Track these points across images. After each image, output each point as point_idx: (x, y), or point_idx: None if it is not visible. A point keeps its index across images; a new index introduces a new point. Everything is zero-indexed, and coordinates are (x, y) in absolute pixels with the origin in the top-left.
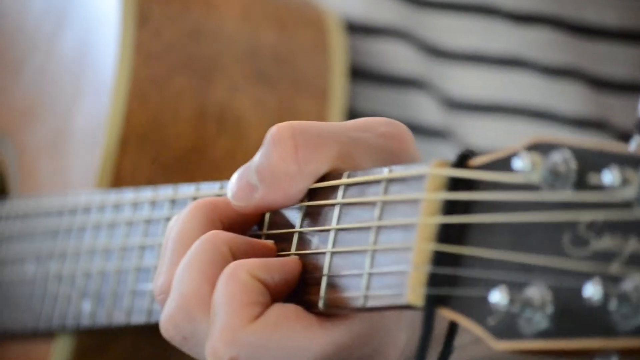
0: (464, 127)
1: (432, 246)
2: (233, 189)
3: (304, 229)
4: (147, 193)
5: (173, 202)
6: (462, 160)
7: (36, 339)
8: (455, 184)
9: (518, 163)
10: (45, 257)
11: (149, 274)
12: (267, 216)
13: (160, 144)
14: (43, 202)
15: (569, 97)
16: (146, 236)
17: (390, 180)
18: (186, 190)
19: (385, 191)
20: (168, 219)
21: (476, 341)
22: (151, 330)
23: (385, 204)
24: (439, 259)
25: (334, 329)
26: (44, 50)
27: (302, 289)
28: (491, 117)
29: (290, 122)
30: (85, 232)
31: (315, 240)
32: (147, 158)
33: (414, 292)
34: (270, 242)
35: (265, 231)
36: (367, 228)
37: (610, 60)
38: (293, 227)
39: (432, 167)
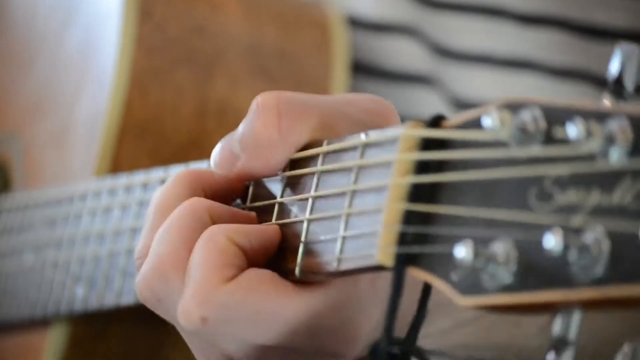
0: None
1: (403, 206)
2: (216, 158)
3: (284, 199)
4: (139, 176)
5: (164, 182)
6: (436, 121)
7: (32, 330)
8: (428, 145)
9: (487, 121)
10: (43, 247)
11: None
12: (251, 190)
13: (159, 137)
14: (42, 193)
15: (576, 99)
16: (138, 218)
17: (367, 145)
18: (177, 170)
19: (362, 156)
20: None
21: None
22: (146, 318)
23: (360, 168)
24: (410, 218)
25: (309, 296)
26: (52, 47)
27: (280, 257)
28: None
29: (277, 91)
30: (81, 218)
31: (294, 209)
32: (146, 150)
33: (383, 252)
34: (252, 213)
35: (248, 204)
36: (343, 193)
37: None
38: (274, 198)
39: (405, 128)
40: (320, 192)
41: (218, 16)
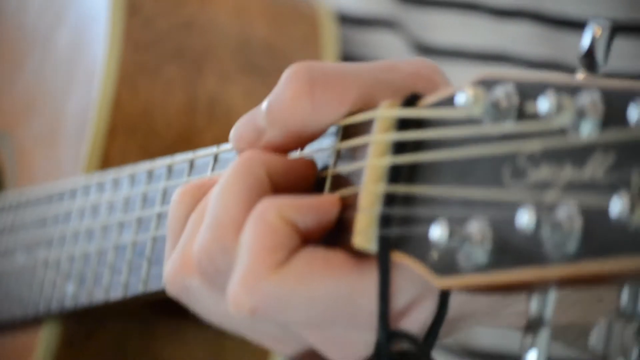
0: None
1: (382, 187)
2: (236, 131)
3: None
4: (126, 170)
5: (150, 174)
6: (412, 100)
7: (24, 329)
8: (405, 124)
9: (461, 98)
10: (34, 246)
11: (125, 250)
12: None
13: (149, 133)
14: (33, 192)
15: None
16: (125, 212)
17: (346, 127)
18: (162, 162)
19: (342, 138)
20: (144, 194)
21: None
22: (138, 317)
23: (339, 151)
24: (389, 199)
25: (366, 271)
26: (42, 46)
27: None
28: None
29: (310, 62)
30: (71, 216)
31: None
32: (135, 147)
33: (362, 236)
34: (310, 160)
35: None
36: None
37: None
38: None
39: (381, 109)
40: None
41: (207, 11)
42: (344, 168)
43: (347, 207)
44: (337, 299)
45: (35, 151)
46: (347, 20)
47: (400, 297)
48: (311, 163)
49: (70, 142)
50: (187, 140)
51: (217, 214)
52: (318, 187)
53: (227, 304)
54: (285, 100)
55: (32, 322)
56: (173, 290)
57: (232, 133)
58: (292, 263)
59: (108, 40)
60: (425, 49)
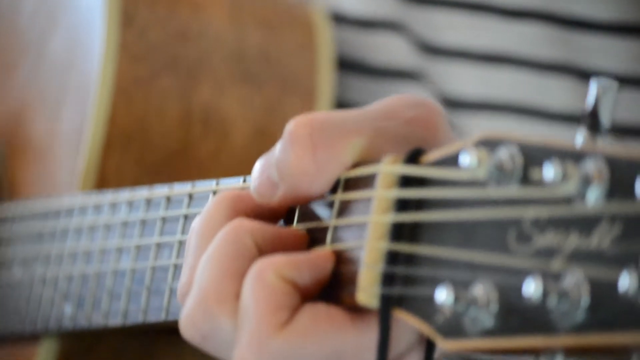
0: (458, 124)
1: (385, 245)
2: (255, 185)
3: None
4: (124, 194)
5: (149, 202)
6: (414, 157)
7: (22, 342)
8: (407, 181)
9: (465, 159)
10: (31, 261)
11: (124, 277)
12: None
13: (145, 145)
14: (29, 206)
15: (559, 93)
16: (123, 238)
17: (348, 180)
18: (162, 190)
19: (344, 190)
20: (144, 221)
21: None
22: (137, 332)
23: (342, 202)
24: (391, 258)
25: (365, 327)
26: (35, 52)
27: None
28: (482, 115)
29: (309, 116)
30: (68, 235)
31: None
32: (131, 159)
33: (365, 292)
34: (300, 230)
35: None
36: (325, 227)
37: (601, 53)
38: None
39: (384, 164)
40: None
41: (201, 20)
42: (344, 221)
43: (345, 261)
44: (342, 353)
45: (29, 159)
46: (350, 22)
47: (396, 348)
48: (302, 234)
49: (66, 153)
50: (182, 152)
51: (202, 282)
52: None
53: None
54: (289, 163)
55: (30, 337)
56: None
57: (252, 185)
58: (296, 321)
59: (103, 52)
60: (432, 49)
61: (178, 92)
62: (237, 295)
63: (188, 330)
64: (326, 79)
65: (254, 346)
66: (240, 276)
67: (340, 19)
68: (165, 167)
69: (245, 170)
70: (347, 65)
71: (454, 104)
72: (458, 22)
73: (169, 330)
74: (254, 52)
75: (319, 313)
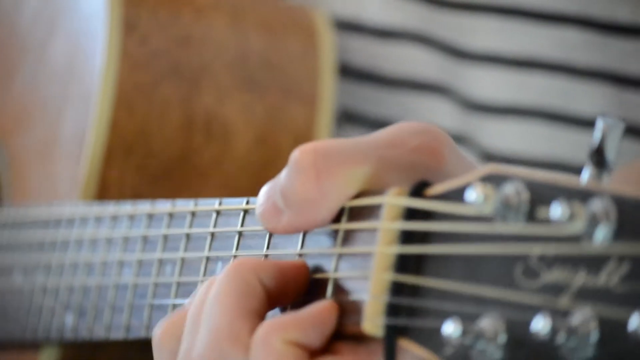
0: (483, 130)
1: (390, 276)
2: (261, 210)
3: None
4: (126, 207)
5: (151, 217)
6: (419, 189)
7: (23, 349)
8: (412, 214)
9: (471, 195)
10: (32, 269)
11: (126, 291)
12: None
13: (146, 152)
14: (30, 213)
15: (592, 99)
16: (125, 252)
17: (352, 209)
18: (162, 207)
19: (349, 219)
20: (145, 237)
21: None
22: (138, 343)
23: (347, 231)
24: (396, 289)
25: None
26: (36, 56)
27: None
28: (510, 120)
29: (314, 145)
30: (69, 245)
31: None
32: (133, 166)
33: (371, 322)
34: (300, 261)
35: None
36: (330, 255)
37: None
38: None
39: (389, 196)
40: (306, 250)
41: (203, 27)
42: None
43: (349, 291)
44: None
45: (29, 164)
46: (368, 32)
47: None
48: (302, 265)
49: (67, 160)
50: (184, 159)
51: (212, 321)
52: (314, 284)
53: None
54: (295, 189)
55: (31, 344)
56: None
57: (257, 208)
58: None
59: (105, 58)
60: (460, 54)
61: (180, 99)
62: (249, 332)
63: None
64: (328, 85)
65: None
66: (249, 313)
67: (358, 28)
68: (167, 175)
69: (247, 177)
70: (364, 76)
71: (482, 108)
72: (490, 26)
73: None
74: (256, 58)
75: None
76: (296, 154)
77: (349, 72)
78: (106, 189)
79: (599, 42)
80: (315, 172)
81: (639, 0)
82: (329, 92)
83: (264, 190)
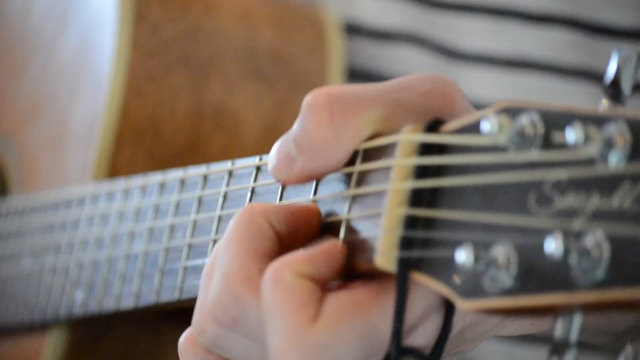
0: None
1: (403, 210)
2: (272, 161)
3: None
4: (137, 181)
5: (162, 186)
6: (434, 126)
7: (31, 334)
8: (427, 149)
9: (486, 126)
10: (41, 252)
11: (136, 260)
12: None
13: (156, 140)
14: (39, 198)
15: (581, 98)
16: (136, 222)
17: (366, 150)
18: (173, 174)
19: (363, 161)
20: (157, 205)
21: None
22: (147, 323)
23: (361, 173)
24: (410, 223)
25: (388, 298)
26: (46, 50)
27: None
28: None
29: (327, 88)
30: (79, 223)
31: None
32: (142, 154)
33: (385, 257)
34: (312, 205)
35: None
36: (343, 198)
37: None
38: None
39: (404, 133)
40: (320, 196)
41: (213, 18)
42: (363, 190)
43: (361, 229)
44: (373, 329)
45: (40, 156)
46: (366, 33)
47: (414, 311)
48: (313, 208)
49: (77, 148)
50: (193, 147)
51: (225, 265)
52: (327, 228)
53: None
54: (308, 132)
55: (40, 327)
56: (204, 344)
57: (269, 163)
58: (324, 312)
59: (115, 47)
60: (454, 54)
61: (189, 88)
62: (260, 273)
63: (217, 314)
64: (336, 80)
65: (293, 347)
66: (259, 255)
67: (356, 30)
68: (175, 163)
69: None
70: (361, 77)
71: (475, 108)
72: (481, 27)
73: (179, 320)
74: (265, 51)
75: (343, 300)
76: (309, 97)
77: (347, 73)
78: (116, 174)
79: (587, 43)
80: (329, 111)
81: (626, 2)
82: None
83: (275, 144)
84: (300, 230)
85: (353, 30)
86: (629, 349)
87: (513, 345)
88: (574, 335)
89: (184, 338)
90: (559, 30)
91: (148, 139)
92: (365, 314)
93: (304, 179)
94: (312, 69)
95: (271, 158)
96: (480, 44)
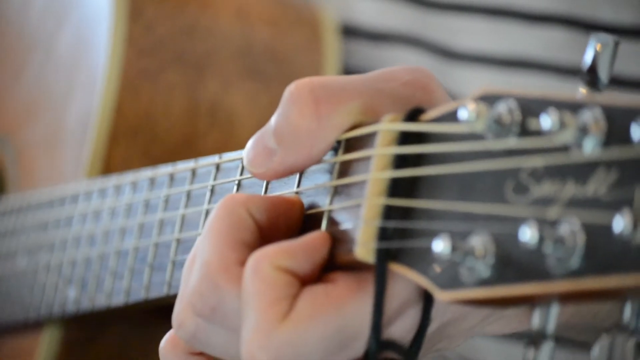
0: None
1: (382, 201)
2: (249, 155)
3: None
4: (128, 177)
5: (152, 181)
6: (414, 115)
7: (25, 333)
8: (407, 138)
9: (463, 113)
10: (35, 250)
11: (127, 256)
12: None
13: (151, 138)
14: (34, 196)
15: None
16: (127, 218)
17: (348, 140)
18: (163, 170)
19: (344, 152)
20: (147, 201)
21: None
22: (140, 322)
23: (343, 164)
24: (389, 213)
25: (364, 294)
26: (43, 50)
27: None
28: None
29: (309, 78)
30: (72, 221)
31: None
32: (137, 152)
33: (364, 248)
34: (294, 197)
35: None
36: (325, 190)
37: (625, 58)
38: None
39: (384, 123)
40: (303, 188)
41: (208, 16)
42: (344, 181)
43: (342, 221)
44: (345, 328)
45: (37, 155)
46: (363, 35)
47: (393, 303)
48: (295, 200)
49: (72, 146)
50: (188, 145)
51: (204, 254)
52: (309, 220)
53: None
54: (291, 120)
55: (34, 325)
56: (184, 338)
57: (245, 157)
58: (296, 309)
59: (110, 45)
60: (451, 55)
61: (185, 86)
62: (239, 263)
63: (197, 304)
64: None
65: (258, 340)
66: (239, 244)
67: (352, 31)
68: (170, 160)
69: None
70: None
71: None
72: (477, 27)
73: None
74: (261, 49)
75: (317, 296)
76: (292, 87)
77: (343, 74)
78: (111, 172)
79: (585, 42)
80: (313, 100)
81: (623, 0)
82: None
83: (251, 140)
84: (282, 221)
85: (349, 32)
86: (604, 338)
87: (513, 343)
88: (551, 326)
89: (164, 342)
90: (557, 30)
91: (143, 136)
92: (338, 310)
93: (283, 173)
94: (308, 68)
95: (247, 152)
96: (476, 44)
